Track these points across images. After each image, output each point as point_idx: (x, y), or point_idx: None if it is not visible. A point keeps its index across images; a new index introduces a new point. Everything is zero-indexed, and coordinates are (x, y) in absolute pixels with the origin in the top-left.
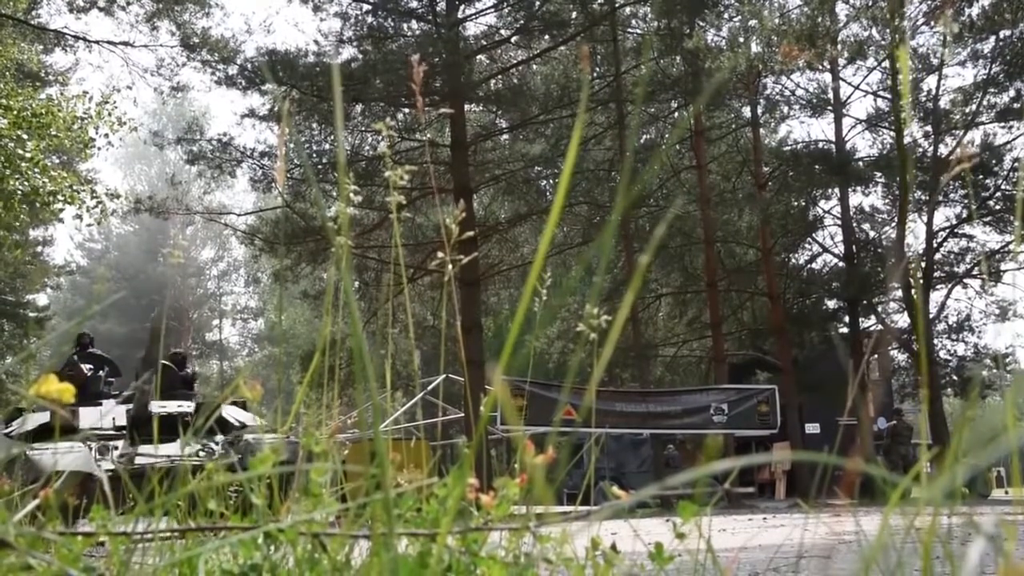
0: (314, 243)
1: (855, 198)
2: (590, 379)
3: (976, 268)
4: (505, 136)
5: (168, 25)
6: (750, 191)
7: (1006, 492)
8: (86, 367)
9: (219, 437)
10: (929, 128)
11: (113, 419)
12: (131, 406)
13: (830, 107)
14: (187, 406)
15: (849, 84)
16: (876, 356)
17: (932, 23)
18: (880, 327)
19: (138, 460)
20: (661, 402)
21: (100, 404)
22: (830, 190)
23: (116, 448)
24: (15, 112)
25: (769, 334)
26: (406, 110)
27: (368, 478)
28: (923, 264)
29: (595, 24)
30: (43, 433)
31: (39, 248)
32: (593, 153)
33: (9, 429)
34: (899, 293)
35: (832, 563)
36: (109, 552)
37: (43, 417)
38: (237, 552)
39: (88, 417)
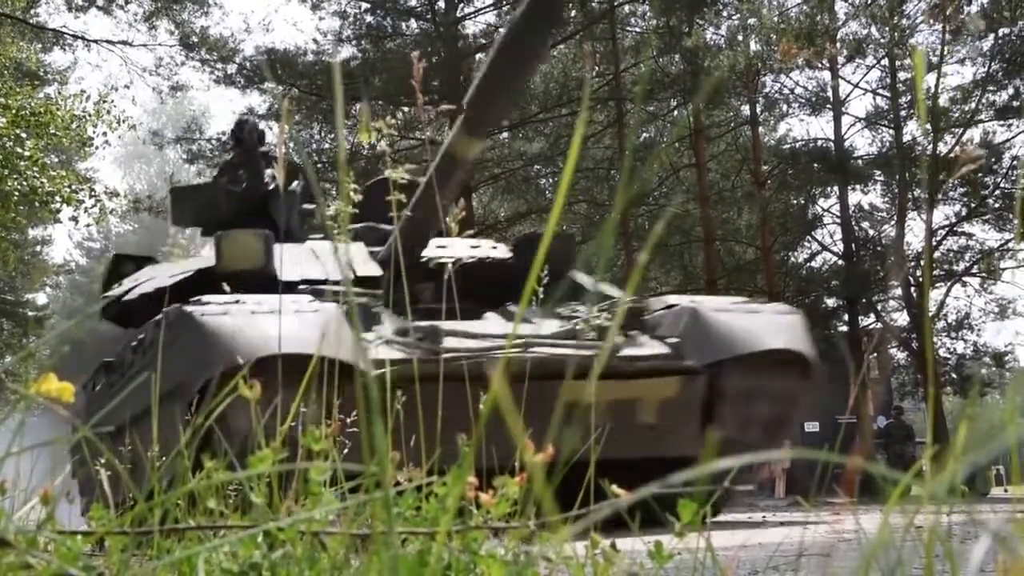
0: None
1: (854, 196)
2: None
3: (975, 266)
4: (504, 134)
5: (167, 24)
6: (749, 189)
7: (1005, 490)
8: (267, 173)
9: (581, 308)
10: (928, 126)
11: (348, 263)
12: (381, 248)
13: (829, 105)
14: (497, 249)
15: (848, 82)
16: (876, 354)
17: (931, 21)
18: (880, 325)
19: (448, 342)
20: None
21: (303, 242)
22: (829, 188)
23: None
24: (14, 111)
25: None
26: (406, 108)
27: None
28: (922, 261)
29: (594, 22)
30: (195, 287)
31: (38, 247)
32: (592, 151)
33: (120, 291)
34: (899, 291)
35: (832, 561)
36: (108, 551)
37: (190, 263)
38: (237, 551)
39: (294, 259)
